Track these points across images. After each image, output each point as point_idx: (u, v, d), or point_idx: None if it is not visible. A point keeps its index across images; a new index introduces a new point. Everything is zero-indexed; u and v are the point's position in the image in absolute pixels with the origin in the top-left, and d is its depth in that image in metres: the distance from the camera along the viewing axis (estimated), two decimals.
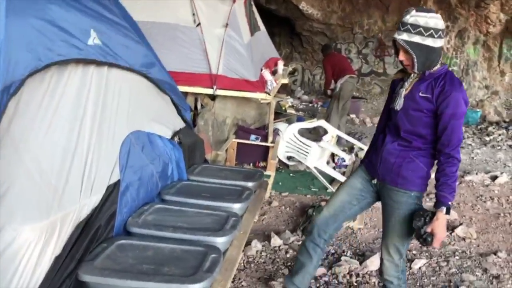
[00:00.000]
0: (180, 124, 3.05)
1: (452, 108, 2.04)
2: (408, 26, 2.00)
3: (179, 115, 3.23)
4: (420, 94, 2.09)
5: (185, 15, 3.95)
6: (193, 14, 3.97)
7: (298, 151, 4.59)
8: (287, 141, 4.58)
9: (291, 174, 4.79)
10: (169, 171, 2.62)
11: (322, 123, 4.85)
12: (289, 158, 4.77)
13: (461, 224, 3.93)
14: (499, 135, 7.04)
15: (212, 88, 3.92)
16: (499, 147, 6.43)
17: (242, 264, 3.06)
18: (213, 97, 4.19)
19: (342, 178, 4.70)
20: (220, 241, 1.95)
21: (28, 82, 1.64)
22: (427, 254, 3.41)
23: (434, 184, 2.11)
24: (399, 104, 2.14)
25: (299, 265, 2.44)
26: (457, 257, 3.40)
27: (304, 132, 4.75)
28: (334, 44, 11.21)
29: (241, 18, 4.21)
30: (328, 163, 5.24)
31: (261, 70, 4.28)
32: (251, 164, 4.35)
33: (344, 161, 5.56)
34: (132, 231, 1.99)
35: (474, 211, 4.32)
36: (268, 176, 3.82)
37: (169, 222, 2.08)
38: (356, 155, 5.98)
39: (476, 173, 5.29)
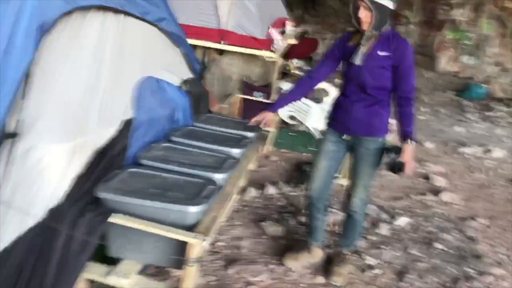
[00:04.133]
0: (188, 75, 3.31)
1: (407, 60, 2.43)
2: None
3: (189, 66, 3.49)
4: (379, 52, 2.41)
5: None
6: None
7: (299, 111, 4.84)
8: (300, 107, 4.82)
9: (291, 133, 5.06)
10: (176, 116, 2.90)
11: (324, 85, 5.07)
12: (291, 117, 5.02)
13: (445, 190, 4.23)
14: (501, 111, 7.23)
15: (220, 42, 4.15)
16: (498, 123, 6.64)
17: (238, 207, 3.39)
18: (220, 52, 4.42)
19: None
20: (217, 177, 2.26)
21: (58, 23, 1.90)
22: (410, 213, 3.73)
23: (396, 123, 2.49)
24: (359, 59, 2.42)
25: (313, 227, 2.84)
26: (437, 218, 3.71)
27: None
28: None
29: None
30: None
31: (269, 28, 4.48)
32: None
33: None
34: (142, 163, 2.30)
35: (462, 180, 4.61)
36: (268, 132, 4.10)
37: (174, 158, 2.38)
38: None
39: (470, 146, 5.55)
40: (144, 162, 2.31)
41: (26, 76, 1.66)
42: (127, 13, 2.58)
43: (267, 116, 2.80)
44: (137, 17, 2.72)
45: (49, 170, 1.82)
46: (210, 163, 2.41)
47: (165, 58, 3.01)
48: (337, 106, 2.66)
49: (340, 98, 2.64)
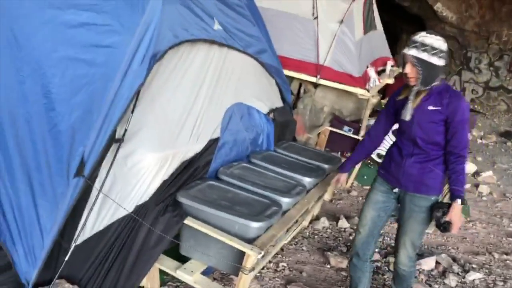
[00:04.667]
0: (278, 104, 3.61)
1: (460, 115, 2.35)
2: (418, 44, 2.32)
3: (281, 95, 3.81)
4: (430, 107, 2.39)
5: (305, 7, 4.46)
6: (313, 8, 4.46)
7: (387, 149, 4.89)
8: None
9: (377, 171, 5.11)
10: (260, 140, 3.22)
11: None
12: (379, 156, 5.08)
13: None
14: None
15: (316, 77, 4.41)
16: None
17: (308, 233, 3.57)
18: (316, 85, 4.68)
19: None
20: (283, 200, 2.51)
21: (167, 53, 2.31)
22: (487, 271, 3.59)
23: (447, 180, 2.42)
24: (408, 114, 2.42)
25: (355, 282, 2.79)
26: None
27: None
28: (464, 52, 10.84)
29: (357, 16, 4.59)
30: None
31: (367, 67, 4.64)
32: (339, 153, 4.77)
33: None
34: (221, 177, 2.63)
35: None
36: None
37: (249, 178, 2.67)
38: None
39: None
40: (223, 177, 2.63)
41: (136, 95, 2.07)
42: (230, 47, 2.98)
43: (341, 177, 2.89)
44: (239, 50, 3.11)
45: (143, 173, 2.21)
46: (280, 187, 2.66)
47: (258, 88, 3.35)
48: (390, 157, 2.61)
49: (394, 149, 2.60)
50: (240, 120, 3.00)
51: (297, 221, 3.00)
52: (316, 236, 3.60)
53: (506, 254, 3.96)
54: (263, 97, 3.37)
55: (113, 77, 2.02)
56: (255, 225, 2.17)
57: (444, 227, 2.40)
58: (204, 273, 2.41)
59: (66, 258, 1.94)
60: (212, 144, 2.67)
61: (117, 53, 2.07)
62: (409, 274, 2.69)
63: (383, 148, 4.92)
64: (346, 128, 4.74)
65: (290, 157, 3.22)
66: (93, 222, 2.10)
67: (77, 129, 1.94)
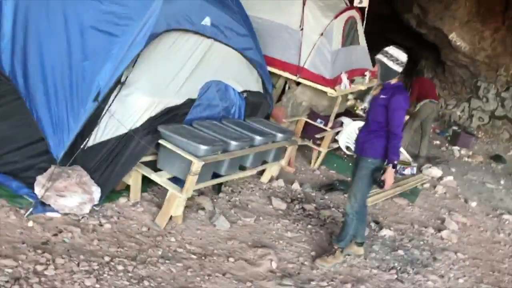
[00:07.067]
0: (254, 88, 4.83)
1: (395, 104, 3.40)
2: (384, 52, 3.49)
3: (263, 85, 5.04)
4: (381, 96, 3.53)
5: (294, 20, 5.68)
6: (301, 21, 5.68)
7: (353, 143, 6.01)
8: (348, 133, 6.01)
9: (349, 163, 6.25)
10: (232, 110, 4.47)
11: None
12: (347, 148, 6.19)
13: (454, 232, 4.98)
14: None
15: (296, 75, 5.62)
16: None
17: (264, 187, 4.77)
18: (297, 83, 5.87)
19: None
20: (231, 142, 3.73)
21: (162, 36, 3.61)
22: (400, 232, 4.65)
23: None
24: (368, 99, 3.60)
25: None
26: (420, 242, 4.56)
27: None
28: (475, 81, 11.69)
29: (336, 31, 5.74)
30: None
31: (341, 73, 5.79)
32: (311, 140, 5.90)
33: (404, 170, 6.74)
34: (193, 125, 3.87)
35: (478, 233, 5.25)
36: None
37: (214, 129, 3.92)
38: (420, 170, 7.05)
39: None
40: (195, 125, 3.89)
41: (137, 56, 3.38)
42: (216, 39, 4.26)
43: None
44: (225, 43, 4.39)
45: (137, 109, 3.50)
46: (233, 137, 3.89)
47: (237, 73, 4.60)
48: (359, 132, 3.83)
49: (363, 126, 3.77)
50: (217, 92, 4.26)
51: (246, 168, 4.23)
52: (270, 190, 4.79)
53: (425, 227, 5.00)
54: (240, 80, 4.61)
55: (125, 44, 3.34)
56: (202, 147, 3.42)
57: (379, 184, 3.52)
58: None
59: (81, 148, 3.25)
60: (190, 102, 3.95)
61: (129, 30, 3.39)
62: (350, 223, 3.66)
63: (349, 141, 6.07)
64: (319, 120, 5.91)
65: (253, 125, 4.45)
66: (101, 134, 3.41)
67: (97, 72, 3.27)
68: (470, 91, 12.31)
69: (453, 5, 10.73)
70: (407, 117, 9.04)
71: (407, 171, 6.74)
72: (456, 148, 9.49)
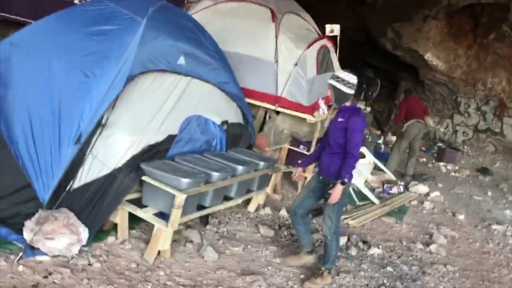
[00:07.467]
0: (234, 120, 5.00)
1: (353, 125, 3.59)
2: (335, 76, 3.69)
3: (243, 117, 5.22)
4: (339, 119, 3.70)
5: (269, 53, 5.92)
6: (275, 53, 5.93)
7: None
8: None
9: None
10: (214, 143, 4.61)
11: (363, 149, 6.34)
12: None
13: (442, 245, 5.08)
14: None
15: (275, 105, 5.81)
16: None
17: (252, 216, 4.86)
18: (277, 112, 6.07)
19: (374, 199, 6.12)
20: (213, 173, 3.86)
21: (140, 76, 3.80)
22: (388, 250, 4.74)
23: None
24: (326, 122, 3.76)
25: (299, 236, 4.08)
26: (410, 258, 4.65)
27: None
28: (455, 97, 11.99)
29: (310, 60, 6.00)
30: (374, 189, 6.68)
31: (318, 99, 6.01)
32: (295, 166, 6.04)
33: (391, 189, 6.89)
34: (175, 160, 4.00)
35: (467, 245, 5.36)
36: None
37: (196, 162, 4.04)
38: (407, 188, 7.19)
39: (505, 225, 6.13)
40: (177, 160, 4.02)
41: (116, 98, 3.54)
42: (193, 76, 4.46)
43: (299, 171, 4.15)
44: (202, 79, 4.58)
45: (119, 148, 3.64)
46: (215, 168, 4.02)
47: (216, 106, 4.78)
48: (318, 155, 3.98)
49: (325, 150, 3.86)
50: (197, 126, 4.42)
51: (232, 198, 4.35)
52: (257, 218, 4.88)
53: (414, 242, 5.10)
54: (219, 113, 4.78)
55: (103, 86, 3.51)
56: (184, 180, 3.53)
57: (326, 198, 3.66)
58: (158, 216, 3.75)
59: (66, 190, 3.36)
60: (171, 138, 4.09)
61: (106, 73, 3.57)
62: (330, 244, 3.77)
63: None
64: (302, 146, 6.08)
65: (235, 156, 4.59)
66: (86, 175, 3.53)
67: (77, 115, 3.42)
68: (451, 107, 12.64)
69: (425, 27, 11.16)
70: (393, 138, 9.29)
71: (394, 190, 6.89)
72: (442, 164, 9.66)
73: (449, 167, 9.48)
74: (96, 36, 3.81)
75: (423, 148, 11.34)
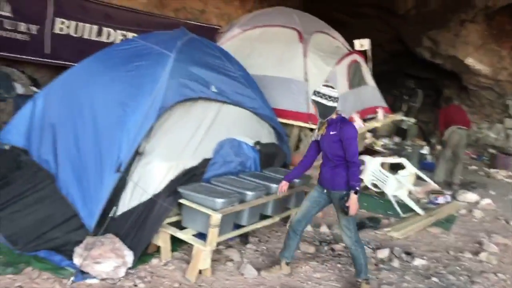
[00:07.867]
0: (266, 140, 5.16)
1: (347, 135, 3.62)
2: (316, 92, 3.71)
3: (277, 137, 5.38)
4: (331, 132, 3.71)
5: (299, 73, 6.11)
6: (304, 73, 6.09)
7: (378, 179, 6.15)
8: (372, 171, 6.17)
9: (375, 198, 6.34)
10: (248, 163, 4.78)
11: (403, 160, 6.29)
12: (374, 185, 6.32)
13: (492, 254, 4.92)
14: None
15: (308, 122, 5.94)
16: None
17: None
18: (311, 129, 6.17)
19: (419, 210, 6.04)
20: (247, 193, 4.01)
21: (175, 106, 4.06)
22: (434, 260, 4.66)
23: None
24: (314, 137, 3.82)
25: (287, 245, 4.00)
26: (457, 267, 4.55)
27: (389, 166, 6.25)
28: (503, 100, 11.59)
29: (340, 76, 6.11)
30: (419, 200, 6.60)
31: (352, 114, 6.07)
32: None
33: (437, 199, 6.76)
34: (211, 182, 4.19)
35: None
36: None
37: (231, 183, 4.21)
38: (455, 197, 7.02)
39: None
40: (213, 182, 4.21)
41: (150, 129, 3.81)
42: (225, 102, 4.69)
43: (283, 184, 4.07)
44: (233, 104, 4.80)
45: (157, 175, 3.88)
46: (249, 187, 4.17)
47: (249, 128, 4.97)
48: (321, 169, 3.90)
49: (322, 163, 3.88)
50: (231, 149, 4.61)
51: (270, 216, 4.47)
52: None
53: (461, 252, 4.97)
54: (252, 134, 4.97)
55: (138, 118, 3.79)
56: (218, 200, 3.70)
57: (345, 211, 3.68)
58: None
59: (110, 217, 3.62)
60: (206, 162, 4.30)
61: (140, 106, 3.86)
62: (357, 254, 3.82)
63: (375, 178, 6.21)
64: None
65: (269, 175, 4.72)
66: (128, 201, 3.78)
67: (116, 146, 3.71)
68: (500, 111, 12.21)
69: (462, 31, 10.95)
70: (439, 148, 9.07)
71: (441, 200, 6.76)
72: (495, 170, 9.35)
73: (503, 173, 9.14)
74: (130, 72, 4.13)
75: (474, 156, 11.00)
